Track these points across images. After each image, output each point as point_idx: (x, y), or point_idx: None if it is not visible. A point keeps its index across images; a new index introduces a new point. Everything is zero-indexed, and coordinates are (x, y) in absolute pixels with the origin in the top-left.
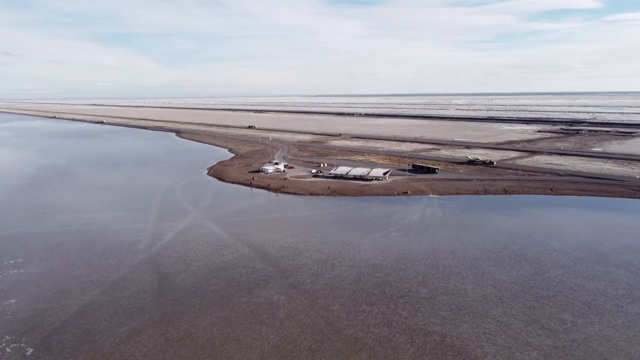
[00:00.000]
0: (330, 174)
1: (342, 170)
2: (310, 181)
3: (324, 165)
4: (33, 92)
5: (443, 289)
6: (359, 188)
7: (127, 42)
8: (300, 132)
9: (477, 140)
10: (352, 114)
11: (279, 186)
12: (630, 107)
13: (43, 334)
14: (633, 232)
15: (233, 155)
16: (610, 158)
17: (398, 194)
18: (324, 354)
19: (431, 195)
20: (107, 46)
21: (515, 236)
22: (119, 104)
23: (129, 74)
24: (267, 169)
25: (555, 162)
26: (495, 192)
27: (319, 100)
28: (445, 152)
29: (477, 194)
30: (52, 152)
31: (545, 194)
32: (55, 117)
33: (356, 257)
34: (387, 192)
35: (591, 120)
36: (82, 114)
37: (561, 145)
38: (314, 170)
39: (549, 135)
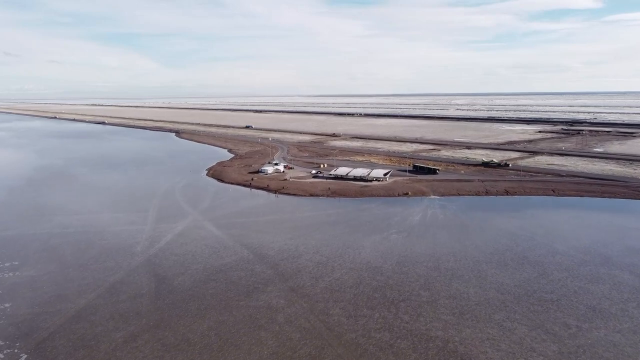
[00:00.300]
0: (330, 174)
1: (342, 171)
2: (310, 182)
3: (324, 166)
4: (33, 92)
5: (445, 293)
6: (360, 189)
7: (127, 42)
8: (300, 133)
9: (477, 141)
10: (352, 114)
11: (278, 187)
12: (630, 107)
13: (37, 339)
14: (636, 233)
15: (232, 155)
16: (611, 158)
17: (399, 195)
18: (324, 359)
19: (432, 197)
20: (107, 46)
21: (518, 238)
22: (119, 104)
23: (129, 74)
24: (267, 170)
25: (556, 163)
26: (497, 193)
27: (318, 100)
28: (445, 153)
29: (479, 195)
30: (51, 152)
31: (547, 195)
32: (55, 118)
33: (357, 260)
34: (388, 193)
35: (592, 121)
36: (82, 114)
37: (562, 145)
38: (313, 171)
39: (549, 135)
